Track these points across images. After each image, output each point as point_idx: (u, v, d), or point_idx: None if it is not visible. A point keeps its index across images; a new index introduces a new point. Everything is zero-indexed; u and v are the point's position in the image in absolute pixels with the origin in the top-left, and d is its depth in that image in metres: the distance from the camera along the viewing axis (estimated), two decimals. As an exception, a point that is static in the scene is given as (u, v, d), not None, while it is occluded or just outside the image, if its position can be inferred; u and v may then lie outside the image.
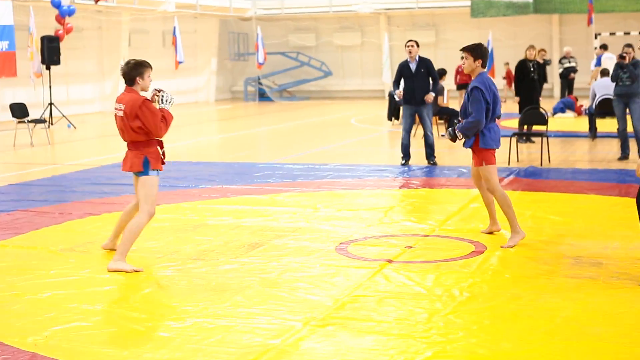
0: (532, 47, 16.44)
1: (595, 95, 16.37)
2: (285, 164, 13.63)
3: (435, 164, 13.11)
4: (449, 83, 22.49)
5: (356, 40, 35.45)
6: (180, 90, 33.59)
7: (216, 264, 7.03)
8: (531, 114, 14.24)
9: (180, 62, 28.77)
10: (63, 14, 23.04)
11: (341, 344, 5.00)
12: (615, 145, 15.54)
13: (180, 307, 5.81)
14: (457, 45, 32.43)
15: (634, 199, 6.47)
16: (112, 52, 29.10)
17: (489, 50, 29.97)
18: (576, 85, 24.95)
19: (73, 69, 27.12)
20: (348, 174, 12.27)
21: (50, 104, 22.24)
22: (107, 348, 5.04)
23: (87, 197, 10.64)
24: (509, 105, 25.65)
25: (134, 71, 7.07)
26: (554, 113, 21.97)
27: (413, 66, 12.98)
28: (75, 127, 21.94)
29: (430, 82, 13.07)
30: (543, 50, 20.23)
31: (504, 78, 27.29)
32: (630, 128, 13.33)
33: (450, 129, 7.83)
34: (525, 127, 15.30)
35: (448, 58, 30.75)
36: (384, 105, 26.37)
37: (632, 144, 13.54)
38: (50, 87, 22.51)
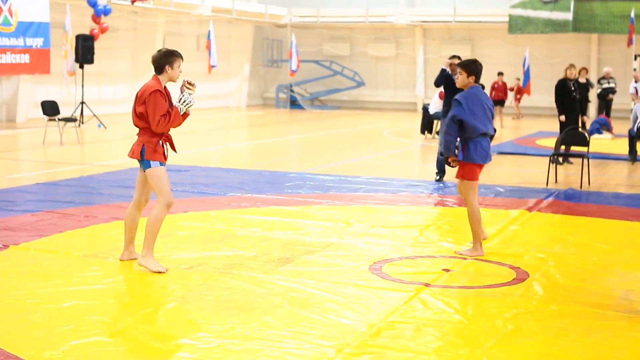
0: (572, 66, 16.00)
1: (637, 117, 15.89)
2: (316, 174, 13.31)
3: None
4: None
5: (391, 51, 35.11)
6: (212, 95, 33.44)
7: (244, 279, 6.71)
8: (572, 135, 13.81)
9: (213, 67, 28.60)
10: (99, 13, 22.93)
11: (377, 376, 4.66)
12: (656, 170, 15.10)
13: (206, 325, 5.49)
14: (493, 61, 32.23)
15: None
16: (146, 53, 28.96)
17: (526, 67, 29.63)
18: (614, 106, 24.43)
19: (106, 69, 27.02)
20: (381, 187, 11.93)
21: (82, 102, 22.11)
22: (127, 367, 4.74)
23: (114, 200, 10.38)
24: (540, 124, 25.23)
25: (164, 59, 6.92)
26: (591, 134, 21.48)
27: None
28: (105, 127, 21.78)
29: None
30: (585, 69, 19.77)
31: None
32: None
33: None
34: (563, 147, 14.87)
35: (484, 73, 30.11)
36: (417, 118, 26.02)
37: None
38: (82, 85, 22.39)
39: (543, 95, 29.84)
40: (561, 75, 16.08)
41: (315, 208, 10.13)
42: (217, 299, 6.16)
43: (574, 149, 14.47)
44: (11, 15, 21.39)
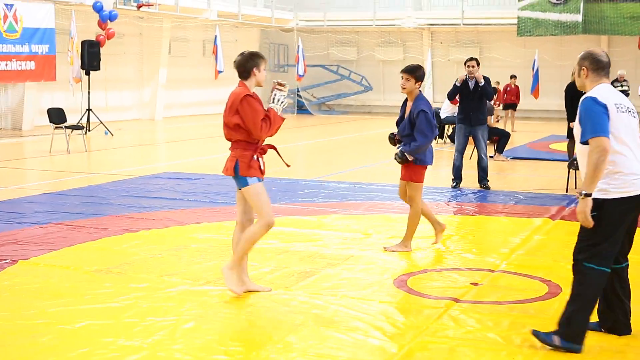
0: None
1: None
2: (329, 181, 13.01)
3: (488, 187, 12.42)
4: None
5: (398, 55, 34.82)
6: (219, 100, 33.12)
7: (265, 295, 6.41)
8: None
9: (220, 72, 28.30)
10: (104, 19, 22.68)
11: (414, 403, 4.36)
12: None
13: (228, 348, 5.18)
14: (501, 64, 31.94)
15: None
16: (151, 59, 28.75)
17: (535, 69, 29.29)
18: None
19: (112, 75, 26.76)
20: (397, 195, 11.57)
21: (89, 109, 21.85)
22: (146, 395, 4.44)
23: (124, 210, 10.09)
24: (550, 127, 24.87)
25: (250, 62, 6.41)
26: None
27: (471, 84, 12.33)
28: (112, 134, 21.51)
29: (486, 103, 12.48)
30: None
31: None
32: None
33: (399, 151, 7.93)
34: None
35: (492, 77, 29.64)
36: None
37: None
38: (88, 92, 22.13)
39: (552, 98, 29.47)
40: (570, 78, 15.73)
41: (331, 218, 9.83)
42: (237, 317, 5.86)
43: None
44: (16, 21, 21.15)
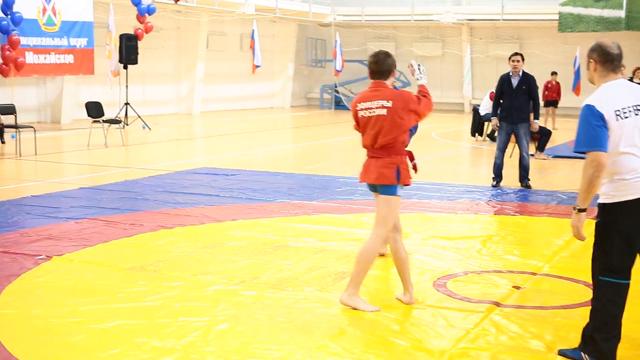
0: (622, 66, 15.27)
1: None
2: (367, 179, 12.81)
3: (529, 186, 12.16)
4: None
5: (437, 50, 34.47)
6: (256, 95, 33.11)
7: (301, 296, 6.27)
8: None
9: (257, 66, 28.22)
10: (142, 13, 22.68)
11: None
12: None
13: (262, 351, 5.05)
14: (542, 61, 31.46)
15: None
16: (189, 53, 28.75)
17: (577, 67, 28.80)
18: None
19: (150, 69, 26.79)
20: (436, 194, 11.41)
21: (126, 103, 21.88)
22: (178, 400, 4.32)
23: (160, 206, 10.01)
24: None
25: (388, 60, 6.12)
26: None
27: (515, 81, 12.07)
28: (150, 129, 21.52)
29: (530, 102, 12.20)
30: (639, 69, 19.06)
31: None
32: None
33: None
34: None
35: (533, 73, 29.36)
36: (464, 120, 25.47)
37: None
38: (126, 86, 22.16)
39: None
40: None
41: (369, 216, 9.63)
42: (272, 319, 5.71)
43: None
44: (55, 15, 21.22)
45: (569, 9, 30.42)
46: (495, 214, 10.10)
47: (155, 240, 8.14)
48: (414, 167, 6.32)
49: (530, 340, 5.36)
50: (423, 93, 6.22)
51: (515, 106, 12.05)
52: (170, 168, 13.67)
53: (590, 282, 6.75)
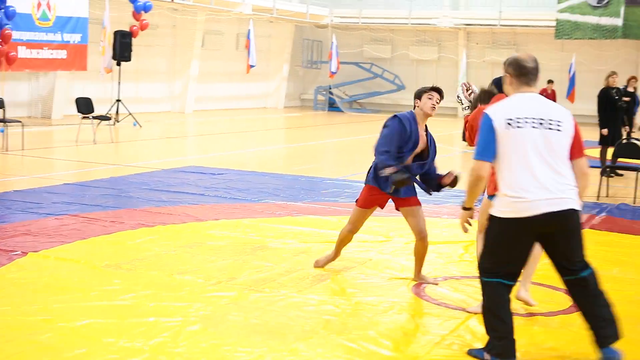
0: (614, 73, 15.25)
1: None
2: (354, 181, 12.75)
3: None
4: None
5: (433, 54, 34.43)
6: (250, 95, 33.02)
7: (276, 298, 6.19)
8: (625, 146, 13.09)
9: (252, 66, 28.13)
10: (138, 10, 22.58)
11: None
12: None
13: (232, 353, 4.97)
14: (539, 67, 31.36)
15: None
16: (184, 51, 28.64)
17: (572, 74, 28.77)
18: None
19: (143, 67, 26.69)
20: (422, 198, 11.29)
21: (118, 100, 21.78)
22: (141, 402, 4.23)
23: (143, 204, 9.92)
24: (584, 132, 24.29)
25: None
26: None
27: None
28: (140, 126, 21.42)
29: None
30: (634, 77, 18.98)
31: None
32: None
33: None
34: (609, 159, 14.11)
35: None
36: (457, 124, 25.34)
37: None
38: (119, 83, 22.06)
39: (588, 104, 28.71)
40: (604, 83, 15.33)
41: (353, 219, 9.56)
42: (245, 320, 5.63)
43: (623, 160, 13.67)
44: (49, 9, 21.11)
45: (566, 16, 30.41)
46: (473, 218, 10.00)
47: (135, 238, 8.06)
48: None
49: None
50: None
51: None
52: (159, 166, 13.58)
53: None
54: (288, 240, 8.25)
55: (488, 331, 4.88)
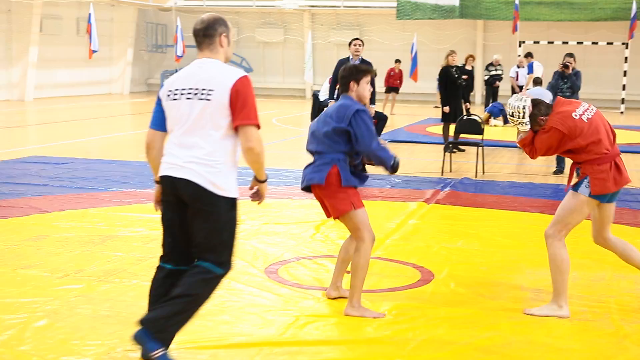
0: (453, 52, 15.75)
1: (527, 104, 15.88)
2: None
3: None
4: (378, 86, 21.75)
5: (278, 37, 34.53)
6: (93, 81, 32.09)
7: (127, 288, 6.06)
8: (466, 123, 13.58)
9: (94, 51, 27.27)
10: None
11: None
12: (545, 157, 15.07)
13: (80, 346, 4.82)
14: (381, 47, 32.08)
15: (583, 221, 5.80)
16: (21, 37, 27.46)
17: (414, 53, 29.54)
18: (500, 92, 24.55)
19: (-23, 54, 25.47)
20: (273, 180, 11.36)
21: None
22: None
23: (-18, 198, 9.47)
24: (428, 110, 25.13)
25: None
26: (495, 115, 21.37)
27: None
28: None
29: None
30: (471, 56, 19.71)
31: None
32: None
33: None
34: (452, 135, 14.60)
35: (372, 59, 29.87)
36: (306, 105, 25.62)
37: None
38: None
39: (430, 82, 29.77)
40: (444, 62, 15.80)
41: (204, 203, 9.48)
42: (95, 312, 5.48)
43: (465, 136, 14.18)
44: None
45: (406, -3, 31.14)
46: (330, 199, 10.14)
47: (-26, 233, 7.68)
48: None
49: (359, 324, 5.37)
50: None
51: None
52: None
53: (419, 264, 6.92)
54: (138, 228, 8.09)
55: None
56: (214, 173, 4.39)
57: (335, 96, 12.34)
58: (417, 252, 7.43)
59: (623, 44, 28.19)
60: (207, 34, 4.58)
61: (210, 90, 4.41)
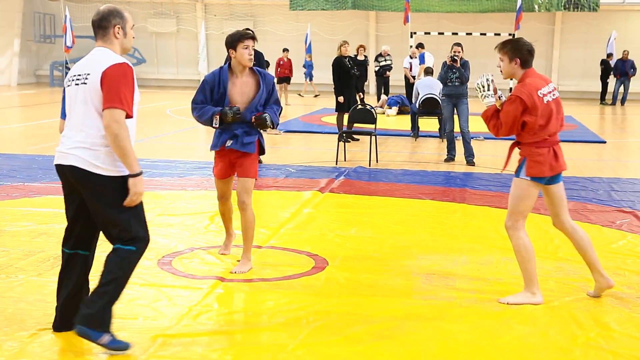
0: (345, 42, 15.85)
1: (418, 94, 16.20)
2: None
3: (260, 162, 12.31)
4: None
5: (171, 27, 34.10)
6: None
7: (15, 284, 5.89)
8: (359, 112, 13.72)
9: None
10: None
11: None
12: (436, 145, 15.42)
13: (-35, 346, 4.68)
14: (275, 38, 32.08)
15: (472, 206, 5.97)
16: None
17: (308, 44, 29.67)
18: (391, 83, 24.94)
19: None
20: (167, 171, 11.25)
21: None
22: None
23: None
24: (322, 101, 25.27)
25: None
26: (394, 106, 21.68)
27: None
28: None
29: None
30: (362, 46, 19.92)
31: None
32: (457, 129, 13.08)
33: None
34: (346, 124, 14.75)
35: (266, 50, 29.67)
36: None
37: (459, 145, 13.27)
38: None
39: (324, 72, 29.88)
40: (337, 52, 15.90)
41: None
42: (-20, 310, 5.31)
43: (359, 125, 14.35)
44: None
45: (299, -12, 31.25)
46: (225, 190, 10.09)
47: None
48: None
49: (253, 315, 5.38)
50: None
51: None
52: None
53: (313, 252, 6.97)
54: (25, 222, 7.87)
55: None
56: (95, 155, 4.53)
57: None
58: (311, 240, 7.48)
59: (510, 34, 28.99)
60: (101, 25, 4.75)
61: (87, 74, 4.58)
